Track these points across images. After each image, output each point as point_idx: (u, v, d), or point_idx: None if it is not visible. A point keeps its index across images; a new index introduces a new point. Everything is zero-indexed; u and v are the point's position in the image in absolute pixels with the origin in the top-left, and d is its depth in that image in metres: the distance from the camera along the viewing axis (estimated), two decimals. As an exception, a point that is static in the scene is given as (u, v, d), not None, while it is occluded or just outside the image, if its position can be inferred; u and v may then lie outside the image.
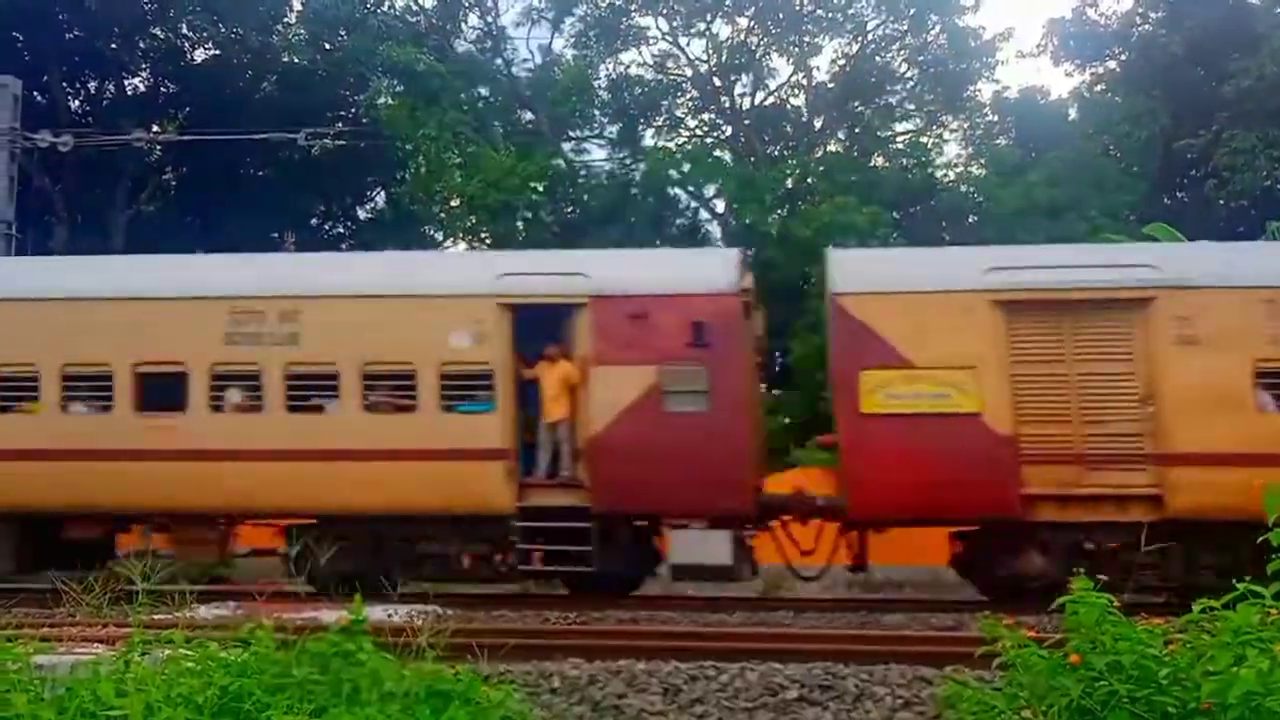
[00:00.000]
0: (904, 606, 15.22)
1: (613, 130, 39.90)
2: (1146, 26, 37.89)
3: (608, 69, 39.51)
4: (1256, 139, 31.97)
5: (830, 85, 37.92)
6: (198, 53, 38.33)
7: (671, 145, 37.64)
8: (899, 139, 37.60)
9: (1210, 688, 5.23)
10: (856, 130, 37.43)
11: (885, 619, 13.79)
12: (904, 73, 38.19)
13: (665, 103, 39.65)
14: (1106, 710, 5.47)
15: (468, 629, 9.13)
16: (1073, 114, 39.35)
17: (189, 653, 6.98)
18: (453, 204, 36.17)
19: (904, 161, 35.75)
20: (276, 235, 37.77)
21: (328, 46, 37.99)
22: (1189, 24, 34.69)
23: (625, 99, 38.79)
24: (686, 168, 35.13)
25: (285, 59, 38.07)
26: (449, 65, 35.37)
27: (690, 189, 37.50)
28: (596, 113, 39.36)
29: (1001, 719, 6.25)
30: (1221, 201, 32.73)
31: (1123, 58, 38.47)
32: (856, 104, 37.66)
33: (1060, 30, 39.33)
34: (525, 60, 39.98)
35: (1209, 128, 33.57)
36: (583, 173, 37.37)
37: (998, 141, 37.97)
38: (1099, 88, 39.18)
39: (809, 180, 34.31)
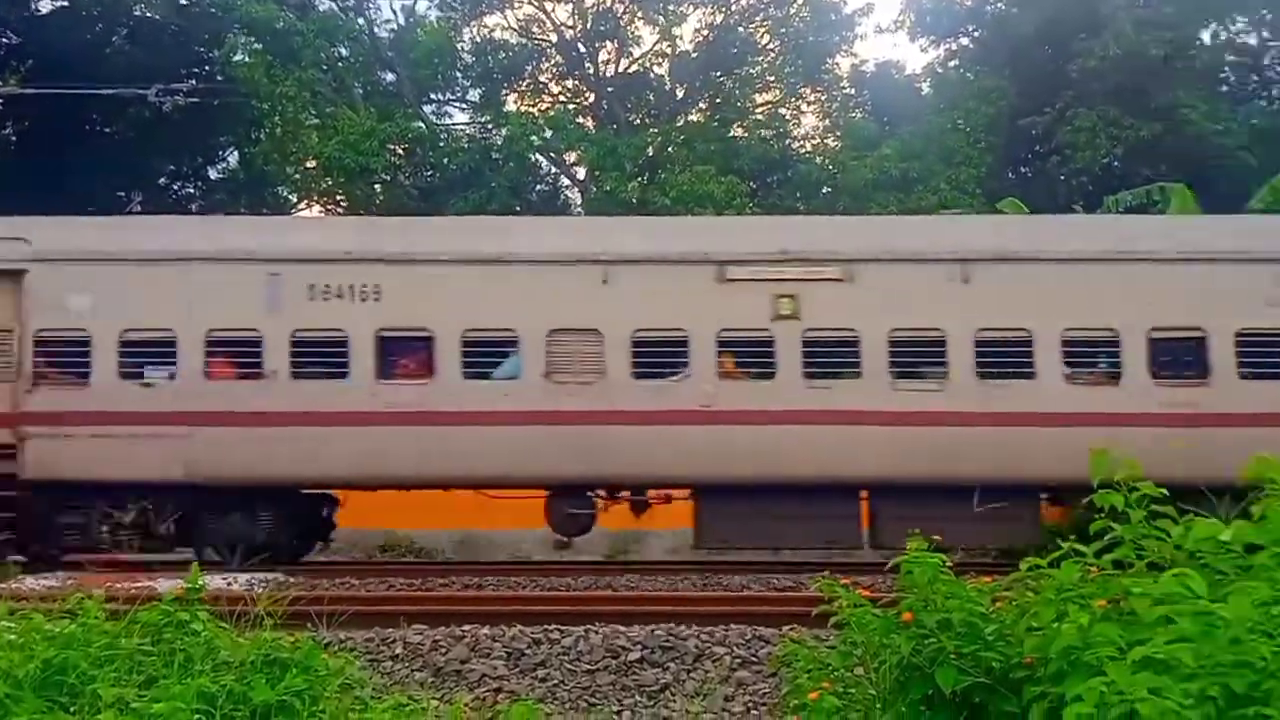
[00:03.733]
0: (746, 568, 15.42)
1: (475, 94, 39.47)
2: (999, 5, 38.85)
3: (471, 32, 39.04)
4: (1098, 118, 33.06)
5: (693, 55, 38.01)
6: (44, 3, 36.65)
7: (534, 111, 37.36)
8: (759, 110, 37.91)
9: (1033, 643, 5.37)
10: (717, 100, 37.61)
11: (728, 580, 13.96)
12: (766, 44, 38.46)
13: (529, 68, 39.31)
14: (935, 666, 5.59)
15: (309, 596, 8.97)
16: (926, 89, 40.20)
17: (10, 625, 6.72)
18: (308, 165, 35.38)
19: (763, 132, 36.09)
20: (122, 195, 36.43)
21: (183, 1, 36.69)
22: (1038, 4, 35.66)
23: (489, 63, 38.34)
24: (548, 134, 34.94)
25: (137, 12, 36.62)
26: (309, 23, 34.47)
27: (552, 155, 37.34)
28: (459, 76, 38.88)
29: (835, 676, 6.36)
30: (1063, 178, 33.78)
31: (976, 35, 39.38)
32: (718, 74, 37.83)
33: (917, 6, 40.08)
34: (388, 21, 39.33)
35: (1054, 106, 34.58)
36: (443, 136, 36.88)
37: (854, 115, 38.56)
38: (952, 64, 40.04)
39: (669, 149, 34.40)
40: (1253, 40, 39.82)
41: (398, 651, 9.05)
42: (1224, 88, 37.97)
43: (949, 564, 6.03)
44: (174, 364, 15.37)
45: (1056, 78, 34.77)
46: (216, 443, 15.13)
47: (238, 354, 15.48)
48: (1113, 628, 5.04)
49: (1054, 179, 34.12)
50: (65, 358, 15.43)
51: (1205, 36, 37.81)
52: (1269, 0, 38.01)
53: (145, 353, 15.40)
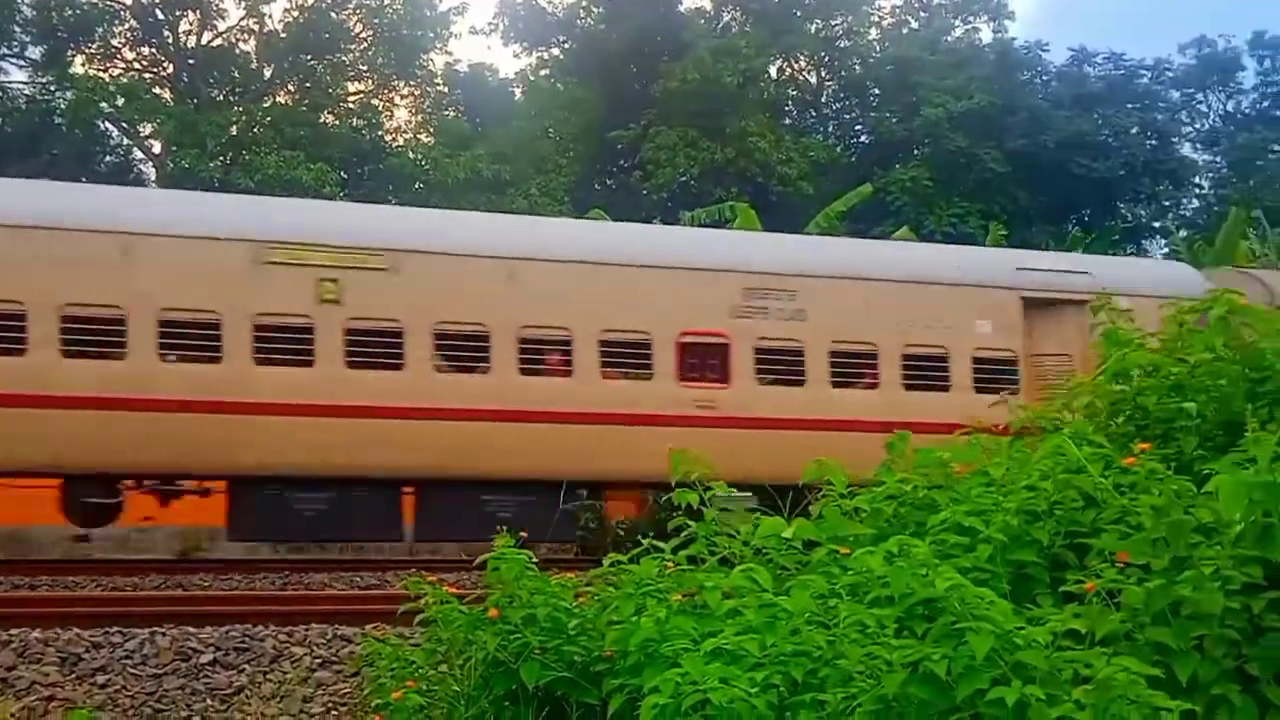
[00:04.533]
0: (328, 567, 15.08)
1: (36, 52, 36.23)
2: (590, 20, 40.18)
3: (34, -17, 35.81)
4: (678, 137, 34.98)
5: (283, 35, 36.75)
6: None
7: (105, 76, 34.88)
8: (350, 98, 37.25)
9: (613, 636, 5.58)
10: (307, 84, 36.60)
11: (308, 579, 13.62)
12: (358, 33, 37.81)
13: (100, 30, 36.52)
14: (520, 662, 5.68)
15: None
16: (519, 94, 40.98)
17: None
18: None
19: (354, 121, 35.50)
20: None
21: None
22: (627, 23, 37.22)
23: (53, 19, 35.32)
24: (120, 102, 32.78)
25: None
26: None
27: (124, 125, 35.07)
28: (17, 30, 35.59)
29: (419, 674, 6.33)
30: (646, 192, 35.42)
31: (567, 46, 40.53)
32: (309, 58, 36.79)
33: (511, 12, 40.76)
34: (-73, -38, 35.23)
35: (639, 122, 36.24)
36: (-4, 95, 33.71)
37: (447, 113, 38.69)
38: (544, 72, 41.04)
39: (255, 130, 33.17)
40: (813, 79, 43.47)
41: (-72, 661, 8.14)
42: (787, 120, 41.18)
43: (534, 560, 6.15)
44: None
45: (643, 96, 36.45)
46: None
47: None
48: (687, 620, 5.33)
49: (637, 192, 35.69)
50: None
51: (773, 71, 40.89)
52: (827, 43, 41.64)
53: None
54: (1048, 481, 5.31)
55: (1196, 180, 45.16)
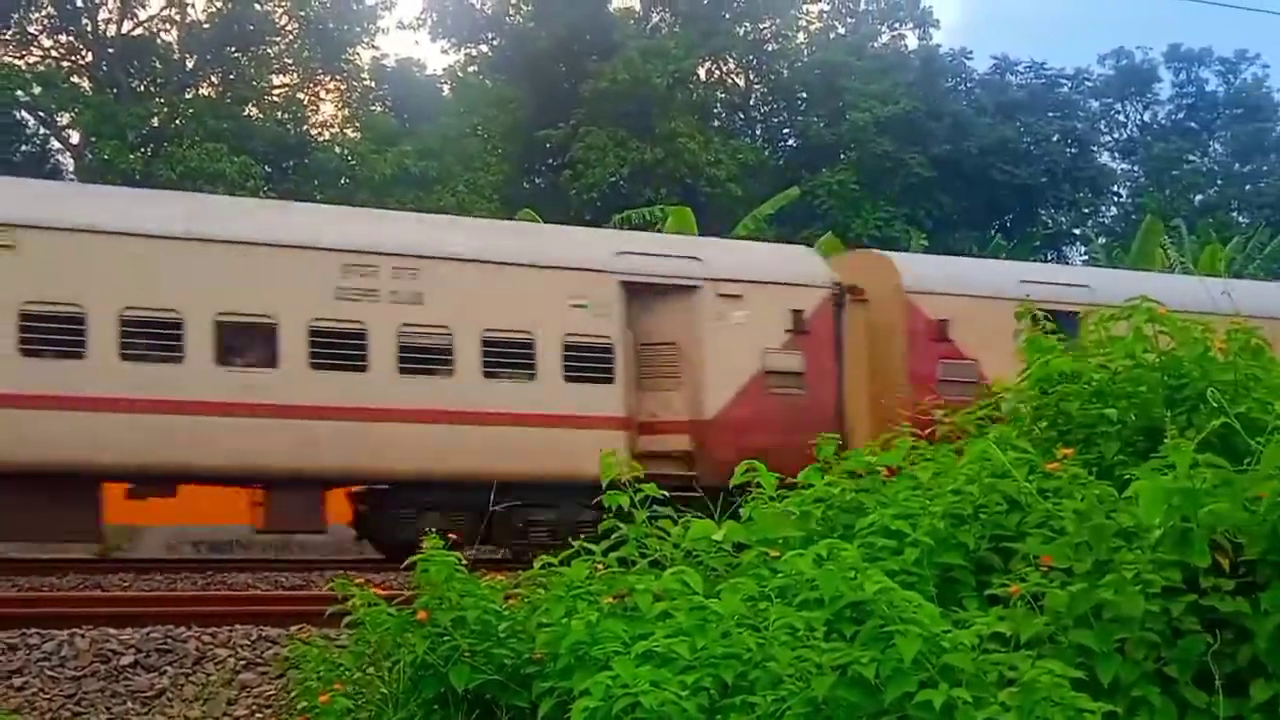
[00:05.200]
0: (251, 566, 14.86)
1: (-52, 38, 35.36)
2: (519, 18, 40.06)
3: (-55, -32, 34.92)
4: (607, 137, 34.98)
5: (206, 26, 36.19)
6: None
7: (21, 64, 34.11)
8: (275, 91, 36.80)
9: (544, 638, 5.58)
10: (231, 76, 36.08)
11: (231, 579, 13.41)
12: (284, 25, 37.34)
13: (15, 16, 35.71)
14: (449, 665, 5.65)
15: None
16: (447, 91, 40.76)
17: None
18: None
19: (279, 115, 35.09)
20: None
21: None
22: (556, 22, 37.16)
23: (-34, 5, 34.53)
24: (37, 90, 32.12)
25: None
26: None
27: (41, 114, 34.36)
28: (-71, 15, 34.72)
29: (346, 677, 6.27)
30: (575, 191, 35.39)
31: (495, 43, 40.37)
32: (233, 49, 36.25)
33: (439, 7, 40.53)
34: None
35: (568, 122, 36.19)
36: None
37: (374, 108, 38.38)
38: (472, 69, 40.87)
39: (177, 121, 32.65)
40: (741, 81, 43.72)
41: None
42: (716, 122, 41.38)
43: (464, 561, 6.11)
44: None
45: (571, 95, 36.42)
46: None
47: None
48: (618, 623, 5.33)
49: (565, 192, 35.63)
50: None
51: (702, 73, 41.07)
52: (755, 46, 41.92)
53: None
54: (973, 486, 5.39)
55: (1115, 188, 46.29)
